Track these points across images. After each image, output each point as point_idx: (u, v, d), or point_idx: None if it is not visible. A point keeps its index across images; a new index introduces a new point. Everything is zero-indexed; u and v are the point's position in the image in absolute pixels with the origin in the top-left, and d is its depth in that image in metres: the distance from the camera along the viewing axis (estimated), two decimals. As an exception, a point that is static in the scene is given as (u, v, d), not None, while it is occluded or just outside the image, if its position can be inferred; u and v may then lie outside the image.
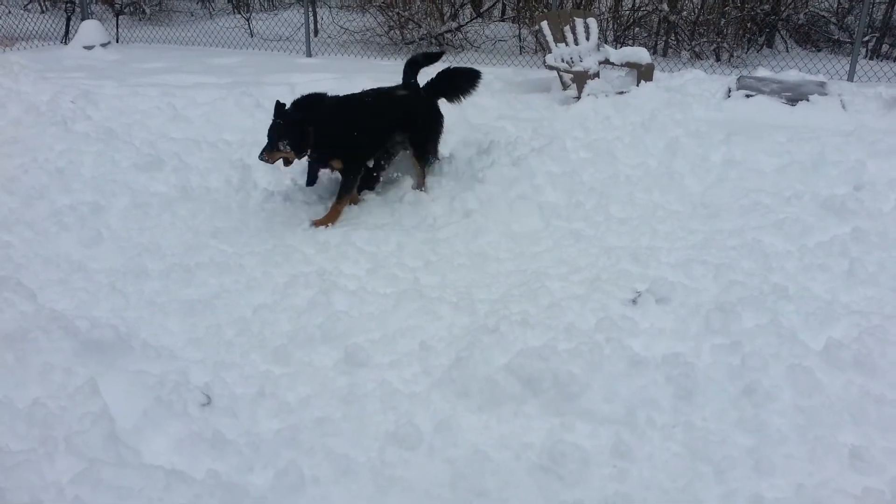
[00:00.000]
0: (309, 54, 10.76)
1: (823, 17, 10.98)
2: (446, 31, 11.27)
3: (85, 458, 2.40)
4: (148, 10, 13.17)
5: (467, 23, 11.61)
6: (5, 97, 6.63)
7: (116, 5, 12.63)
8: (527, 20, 11.16)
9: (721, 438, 2.69)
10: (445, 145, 5.90)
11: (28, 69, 7.97)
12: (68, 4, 11.70)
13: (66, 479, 2.32)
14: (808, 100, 7.01)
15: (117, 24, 11.99)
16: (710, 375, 2.98)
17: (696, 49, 10.49)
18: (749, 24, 10.56)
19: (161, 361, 3.11)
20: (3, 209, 4.59)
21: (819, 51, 10.65)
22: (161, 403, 2.74)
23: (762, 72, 8.12)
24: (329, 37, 11.85)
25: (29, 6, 13.85)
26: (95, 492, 2.27)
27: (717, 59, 10.29)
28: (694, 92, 7.33)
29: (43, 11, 13.57)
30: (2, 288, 3.40)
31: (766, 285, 3.74)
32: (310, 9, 11.19)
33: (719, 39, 10.34)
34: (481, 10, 11.97)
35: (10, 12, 12.74)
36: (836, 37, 10.78)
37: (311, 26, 11.32)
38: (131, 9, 13.18)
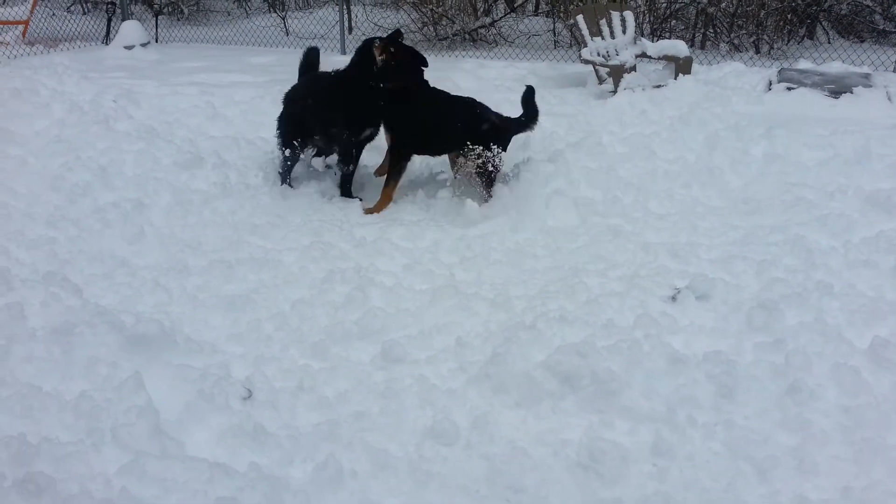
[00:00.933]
0: (344, 52, 10.82)
1: (868, 6, 10.67)
2: (480, 27, 11.24)
3: (131, 450, 2.46)
4: (186, 11, 13.39)
5: (501, 18, 11.56)
6: (49, 97, 6.79)
7: (155, 6, 12.86)
8: (562, 14, 11.07)
9: (763, 438, 2.64)
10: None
11: (71, 69, 8.15)
12: (109, 5, 11.94)
13: (113, 471, 2.38)
14: (851, 92, 6.83)
15: (156, 25, 12.20)
16: (753, 374, 2.93)
17: (735, 41, 10.28)
18: (789, 16, 10.32)
19: (203, 356, 3.16)
20: (48, 206, 4.71)
21: (863, 42, 10.36)
22: (203, 397, 2.79)
23: (804, 64, 7.93)
24: (363, 34, 11.88)
25: (72, 8, 14.18)
26: (141, 483, 2.32)
27: (757, 52, 10.08)
28: (733, 85, 7.21)
29: (85, 13, 13.89)
30: (49, 283, 3.51)
31: (810, 282, 3.66)
32: (344, 6, 11.25)
33: (759, 31, 10.13)
34: (515, 5, 11.91)
35: (53, 14, 13.06)
36: (882, 27, 10.48)
37: (346, 24, 11.38)
38: (170, 9, 13.41)
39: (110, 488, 2.29)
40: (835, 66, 7.65)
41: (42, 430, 2.55)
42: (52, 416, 2.64)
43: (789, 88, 7.02)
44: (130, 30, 10.79)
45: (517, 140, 5.83)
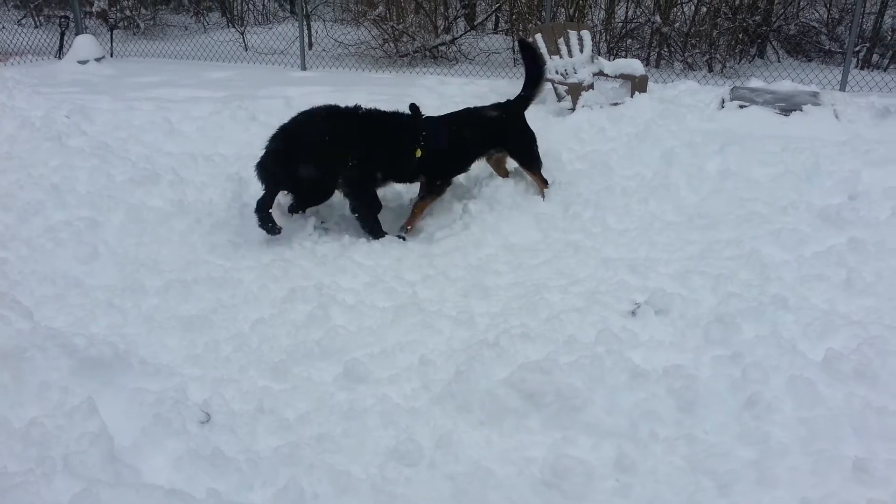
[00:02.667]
0: (304, 67, 10.77)
1: (814, 27, 11.07)
2: (440, 44, 11.31)
3: (83, 479, 2.38)
4: (142, 25, 13.18)
5: (461, 35, 11.66)
6: (0, 113, 6.61)
7: (110, 20, 12.63)
8: (520, 32, 11.20)
9: (724, 451, 2.68)
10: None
11: (22, 84, 7.96)
12: (62, 19, 11.69)
13: (65, 501, 2.28)
14: (801, 110, 7.03)
15: (111, 39, 11.98)
16: (712, 387, 2.97)
17: (689, 60, 10.55)
18: (741, 35, 10.63)
19: (160, 378, 3.08)
20: (-2, 225, 4.56)
21: (811, 61, 10.73)
22: (160, 421, 2.71)
23: (755, 82, 8.15)
24: (324, 50, 11.87)
25: (23, 21, 13.83)
26: (94, 513, 2.24)
27: (710, 70, 10.34)
28: (688, 103, 7.36)
29: (37, 26, 13.56)
30: (-2, 305, 3.38)
31: (765, 296, 3.74)
32: (304, 22, 11.22)
33: (712, 50, 10.41)
34: (475, 23, 12.02)
35: (3, 27, 12.72)
36: (828, 47, 10.87)
37: (306, 40, 11.34)
38: (125, 23, 13.18)
39: (61, 519, 2.21)
40: (785, 85, 7.88)
41: (-11, 460, 2.45)
42: (1, 444, 2.53)
43: (741, 106, 7.19)
44: (84, 44, 10.58)
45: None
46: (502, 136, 5.21)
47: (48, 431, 2.59)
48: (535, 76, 5.38)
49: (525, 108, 5.42)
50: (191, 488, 2.46)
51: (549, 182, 5.25)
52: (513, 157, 5.31)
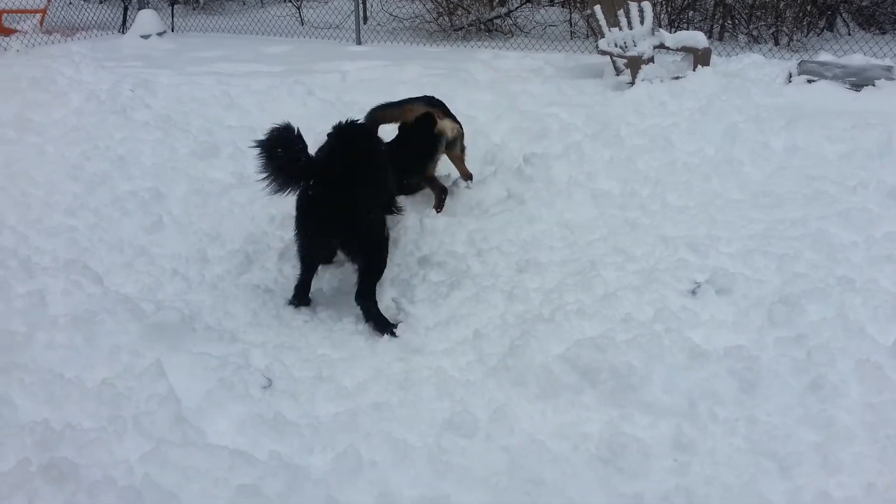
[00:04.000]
0: (359, 42, 10.79)
1: (889, -3, 10.52)
2: (496, 17, 11.17)
3: (152, 438, 2.48)
4: (202, 0, 13.39)
5: (517, 8, 11.48)
6: (67, 86, 6.83)
7: (171, -5, 12.87)
8: (578, 4, 10.98)
9: (786, 434, 2.62)
10: (496, 133, 5.87)
11: (88, 58, 8.19)
12: (126, -5, 11.98)
13: (135, 458, 2.40)
14: (873, 85, 6.73)
15: (172, 14, 12.21)
16: (774, 369, 2.90)
17: (754, 33, 10.17)
18: (809, 7, 10.18)
19: (223, 344, 3.18)
20: (67, 195, 4.73)
21: (884, 33, 10.21)
22: (224, 385, 2.80)
23: (824, 56, 7.82)
24: (378, 24, 11.87)
25: (88, -4, 14.21)
26: (163, 470, 2.34)
27: (776, 43, 9.96)
28: (753, 77, 7.12)
29: (101, 2, 13.90)
30: (70, 271, 3.53)
31: (832, 277, 3.62)
32: (359, -4, 11.22)
33: (778, 23, 10.01)
34: (531, -5, 11.82)
35: (70, 3, 13.10)
36: (904, 18, 10.32)
37: (361, 14, 11.34)
38: (185, -2, 13.41)
39: (133, 475, 2.31)
40: (856, 59, 7.54)
41: (65, 417, 2.58)
42: (75, 403, 2.66)
43: (810, 81, 6.92)
44: (147, 19, 10.82)
45: (532, 131, 5.81)
46: None
47: (119, 392, 2.71)
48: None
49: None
50: (254, 450, 2.54)
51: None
52: None
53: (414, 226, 4.56)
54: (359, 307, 3.54)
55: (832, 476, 2.44)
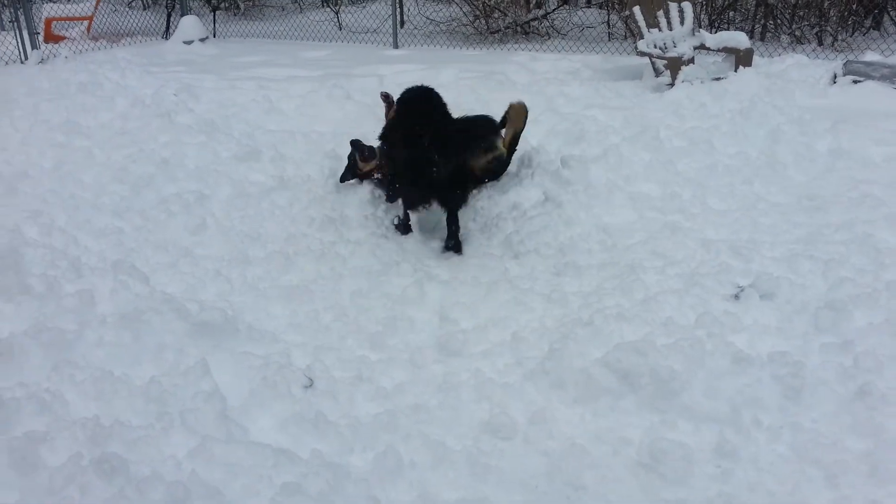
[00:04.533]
0: (396, 46, 10.87)
1: (940, -5, 10.22)
2: (532, 20, 11.14)
3: (198, 435, 2.53)
4: (242, 6, 13.62)
5: (554, 10, 11.44)
6: (113, 91, 7.02)
7: (213, 1, 13.12)
8: (617, 6, 10.90)
9: (832, 441, 2.57)
10: (534, 136, 5.86)
11: (133, 64, 8.41)
12: (169, 1, 12.25)
13: (182, 454, 2.45)
14: (923, 85, 6.55)
15: (214, 20, 12.46)
16: (820, 376, 2.85)
17: (797, 33, 9.97)
18: (854, 6, 9.95)
19: (265, 343, 3.23)
20: (114, 197, 4.86)
21: (934, 32, 9.93)
22: (267, 384, 2.85)
23: (871, 56, 7.62)
24: (415, 28, 11.93)
25: (132, 4, 14.57)
26: (209, 467, 2.38)
27: (820, 44, 9.75)
28: (796, 78, 6.98)
29: (145, 8, 14.25)
30: (117, 271, 3.63)
31: (879, 282, 3.53)
32: (396, 1, 11.29)
33: (821, 22, 9.79)
34: (568, -3, 11.77)
35: (115, 10, 13.43)
36: (955, 17, 10.02)
37: (398, 18, 11.42)
38: (227, 4, 13.66)
39: (180, 471, 2.36)
40: (904, 59, 7.35)
41: (114, 413, 2.65)
42: (124, 399, 2.73)
43: (855, 81, 6.76)
44: (189, 25, 11.05)
45: (570, 133, 5.77)
46: None
47: (166, 389, 2.77)
48: None
49: None
50: (296, 448, 2.58)
51: None
52: None
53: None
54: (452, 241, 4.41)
55: (882, 486, 2.38)
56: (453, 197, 4.48)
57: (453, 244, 4.44)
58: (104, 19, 12.52)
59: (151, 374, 2.88)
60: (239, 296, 3.73)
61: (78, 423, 2.50)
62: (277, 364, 3.00)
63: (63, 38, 11.25)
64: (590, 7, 11.98)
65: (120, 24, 12.61)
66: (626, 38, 10.37)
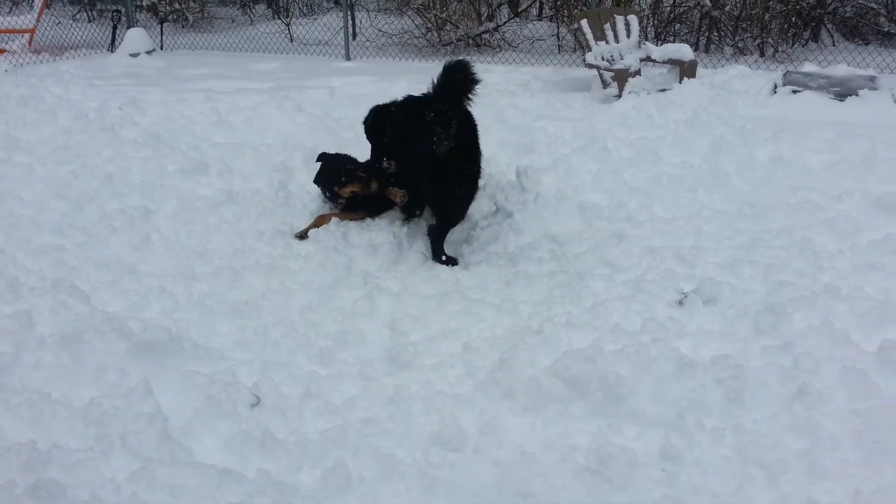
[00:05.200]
0: (348, 58, 10.86)
1: (872, 8, 10.67)
2: (483, 32, 11.27)
3: (140, 457, 2.47)
4: (191, 18, 13.45)
5: (505, 23, 11.59)
6: (56, 105, 6.84)
7: (160, 13, 12.93)
8: (565, 19, 11.09)
9: (773, 442, 2.63)
10: (485, 147, 5.90)
11: (77, 77, 8.21)
12: (114, 13, 12.02)
13: (123, 477, 2.38)
14: (857, 95, 6.83)
15: (161, 32, 12.27)
16: (761, 378, 2.92)
17: (740, 45, 10.29)
18: (794, 19, 10.32)
19: (211, 362, 3.17)
20: (55, 214, 4.72)
21: (868, 44, 10.35)
22: (212, 403, 2.79)
23: (809, 67, 7.93)
24: (367, 40, 11.95)
25: (77, 16, 14.26)
26: (151, 489, 2.33)
27: (762, 55, 10.08)
28: (739, 88, 7.21)
29: (90, 21, 13.96)
30: (57, 290, 3.52)
31: (818, 285, 3.65)
32: (348, 13, 11.29)
33: (763, 34, 10.13)
34: (519, 10, 11.94)
35: (59, 22, 13.13)
36: (887, 28, 10.47)
37: (350, 30, 11.42)
38: (174, 16, 13.47)
39: (120, 494, 2.30)
40: (840, 69, 7.65)
41: (52, 437, 2.56)
42: (62, 423, 2.64)
43: (794, 91, 7.02)
44: (135, 37, 10.87)
45: (520, 145, 5.84)
46: None
47: (106, 411, 2.69)
48: None
49: None
50: (242, 468, 2.53)
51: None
52: None
53: (407, 240, 4.58)
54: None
55: (819, 483, 2.45)
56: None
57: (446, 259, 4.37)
58: (47, 32, 12.22)
59: (91, 395, 2.80)
60: (184, 313, 3.65)
61: (13, 449, 2.41)
62: (223, 382, 2.94)
63: (3, 50, 10.95)
64: (540, 20, 12.18)
65: (64, 36, 12.32)
66: (575, 50, 10.56)
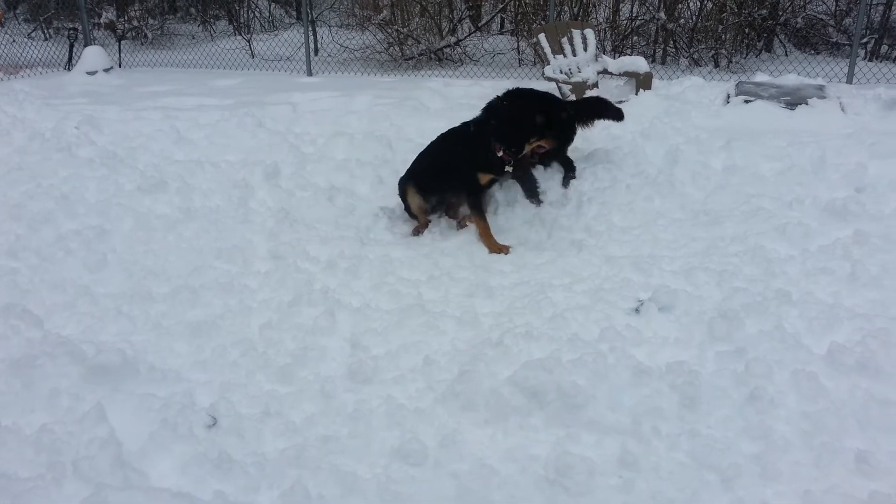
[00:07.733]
0: (310, 73, 10.85)
1: (821, 20, 11.02)
2: (445, 46, 11.35)
3: (92, 483, 2.42)
4: (150, 35, 13.32)
5: (466, 37, 11.70)
6: (10, 125, 6.72)
7: (119, 31, 12.78)
8: (525, 33, 11.23)
9: (726, 446, 2.68)
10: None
11: (32, 96, 8.08)
12: (71, 31, 11.85)
13: (75, 504, 2.33)
14: (807, 103, 7.02)
15: (119, 50, 12.13)
16: (715, 383, 2.98)
17: (695, 56, 10.53)
18: (747, 30, 10.60)
19: (167, 384, 3.12)
20: (9, 236, 4.63)
21: (818, 54, 10.67)
22: (167, 426, 2.75)
23: (761, 77, 8.13)
24: (329, 55, 11.95)
25: (32, 34, 14.02)
26: (103, 516, 2.28)
27: (716, 66, 10.32)
28: (693, 99, 7.36)
29: (46, 39, 13.75)
30: (8, 315, 3.45)
31: (769, 291, 3.74)
32: (309, 28, 11.29)
33: (717, 45, 10.38)
34: (480, 25, 12.06)
35: (14, 41, 12.90)
36: (835, 39, 10.81)
37: (312, 45, 11.42)
38: (133, 34, 13.32)
39: (71, 523, 2.25)
40: (790, 79, 7.86)
41: (1, 466, 2.50)
42: (11, 451, 2.59)
43: (747, 101, 7.18)
44: (93, 55, 10.72)
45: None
46: None
47: (58, 437, 2.64)
48: None
49: None
50: (198, 491, 2.50)
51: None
52: None
53: (369, 254, 4.57)
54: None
55: (771, 485, 2.50)
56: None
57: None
58: (1, 50, 12.00)
59: (43, 421, 2.74)
60: (141, 334, 3.60)
61: (-42, 480, 2.35)
62: (179, 404, 2.90)
63: (-45, 70, 10.72)
64: (501, 34, 12.32)
65: (19, 54, 12.11)
66: (535, 64, 10.71)
